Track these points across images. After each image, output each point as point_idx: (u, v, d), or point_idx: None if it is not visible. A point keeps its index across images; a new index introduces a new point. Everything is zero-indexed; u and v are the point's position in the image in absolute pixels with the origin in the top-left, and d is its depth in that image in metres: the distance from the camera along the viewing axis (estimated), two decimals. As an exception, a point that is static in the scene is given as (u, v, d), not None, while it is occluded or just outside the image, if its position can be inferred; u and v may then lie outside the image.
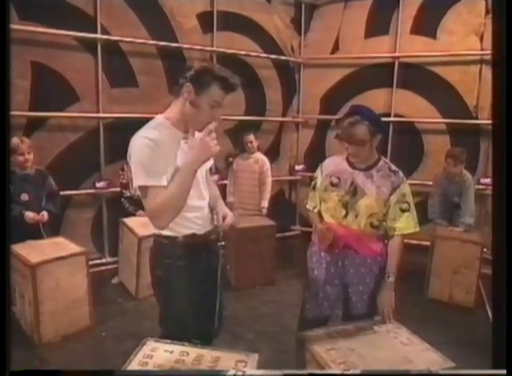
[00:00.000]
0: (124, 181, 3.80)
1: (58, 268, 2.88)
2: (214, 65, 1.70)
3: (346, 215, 2.08)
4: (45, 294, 2.82)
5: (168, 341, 1.70)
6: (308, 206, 2.30)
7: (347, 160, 2.11)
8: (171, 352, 1.62)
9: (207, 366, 1.54)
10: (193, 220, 1.78)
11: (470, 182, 3.76)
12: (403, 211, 2.04)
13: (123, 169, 3.82)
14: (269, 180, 4.22)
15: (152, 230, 1.78)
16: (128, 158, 1.66)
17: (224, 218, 1.85)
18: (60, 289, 2.89)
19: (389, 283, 2.04)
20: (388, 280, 2.04)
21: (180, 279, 1.76)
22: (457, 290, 3.53)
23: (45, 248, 3.00)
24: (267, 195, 4.20)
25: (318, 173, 2.23)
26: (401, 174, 2.06)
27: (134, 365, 1.55)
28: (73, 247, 3.06)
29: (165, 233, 1.74)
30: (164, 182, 1.59)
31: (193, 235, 1.78)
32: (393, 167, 2.08)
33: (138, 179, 1.58)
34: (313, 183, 2.26)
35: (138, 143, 1.59)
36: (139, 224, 3.51)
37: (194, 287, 1.79)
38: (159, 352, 1.62)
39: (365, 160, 2.06)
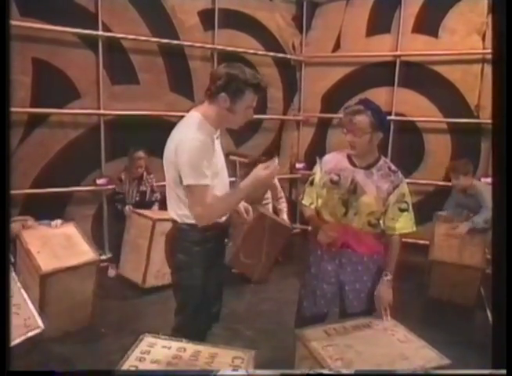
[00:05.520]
0: (119, 190, 3.90)
1: (68, 276, 2.84)
2: (243, 72, 1.71)
3: (346, 214, 2.08)
4: (51, 298, 2.78)
5: (166, 337, 1.72)
6: (304, 202, 2.25)
7: (348, 157, 2.10)
8: (169, 348, 1.64)
9: (203, 363, 1.55)
10: None
11: (483, 190, 3.57)
12: (402, 210, 2.05)
13: (121, 180, 3.89)
14: (283, 200, 4.31)
15: (172, 216, 1.89)
16: (170, 157, 1.76)
17: (247, 212, 2.04)
18: (67, 294, 2.87)
19: (386, 281, 2.05)
20: (386, 278, 2.05)
21: (201, 262, 1.85)
22: (457, 289, 3.52)
23: (56, 245, 2.93)
24: (285, 213, 4.26)
25: (317, 169, 2.20)
26: (400, 174, 2.06)
27: (131, 360, 1.56)
28: (84, 250, 2.99)
29: (189, 221, 1.82)
30: (209, 182, 1.73)
31: (215, 223, 1.86)
32: (393, 167, 2.08)
33: (189, 179, 1.70)
34: (311, 179, 2.23)
35: (190, 145, 1.69)
36: (150, 211, 3.68)
37: (211, 271, 1.89)
38: (156, 348, 1.63)
39: (365, 158, 2.05)
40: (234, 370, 1.51)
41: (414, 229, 2.08)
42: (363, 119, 1.95)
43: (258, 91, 1.75)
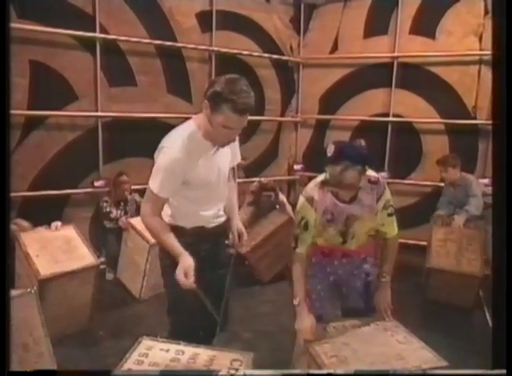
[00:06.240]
0: (107, 210, 3.87)
1: (68, 281, 2.82)
2: (227, 85, 1.59)
3: (343, 243, 2.05)
4: (50, 302, 2.75)
5: (164, 339, 1.71)
6: (299, 250, 2.03)
7: (333, 194, 1.96)
8: (167, 351, 1.63)
9: (202, 365, 1.55)
10: (206, 218, 1.88)
11: (472, 180, 3.79)
12: (389, 215, 2.03)
13: (107, 201, 3.87)
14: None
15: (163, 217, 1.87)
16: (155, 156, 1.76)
17: (240, 237, 1.94)
18: (66, 298, 2.84)
19: (384, 282, 2.05)
20: (383, 280, 2.05)
21: None
22: (455, 294, 3.51)
23: (56, 248, 2.91)
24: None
25: (308, 211, 1.98)
26: (380, 180, 2.00)
27: (129, 363, 1.55)
28: (84, 254, 2.97)
29: (174, 223, 1.83)
30: (167, 195, 1.74)
31: (202, 227, 1.87)
32: (372, 177, 1.98)
33: (153, 184, 1.71)
34: (303, 223, 1.99)
35: (169, 156, 1.67)
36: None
37: (199, 278, 1.80)
38: (154, 351, 1.63)
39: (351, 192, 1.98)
40: (233, 371, 1.51)
41: (396, 231, 2.08)
42: (354, 174, 1.83)
43: (236, 110, 1.58)
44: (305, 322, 1.93)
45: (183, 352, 1.62)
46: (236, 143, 1.93)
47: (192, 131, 1.73)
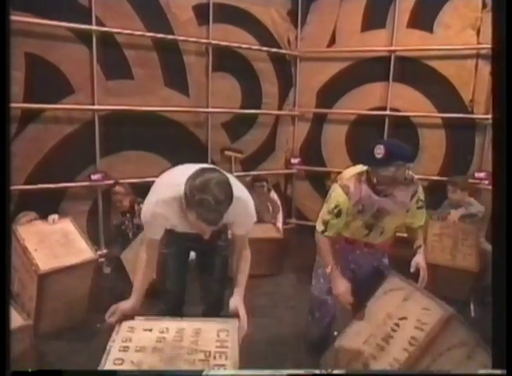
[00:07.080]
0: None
1: (66, 275, 2.82)
2: (199, 194, 1.44)
3: (368, 234, 2.13)
4: (48, 296, 2.77)
5: (144, 317, 1.70)
6: (327, 234, 2.10)
7: (369, 185, 2.00)
8: (150, 330, 1.57)
9: (189, 342, 1.51)
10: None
11: (473, 200, 3.77)
12: (419, 208, 2.14)
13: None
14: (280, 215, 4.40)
15: None
16: None
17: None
18: (64, 291, 2.85)
19: (422, 252, 2.17)
20: (421, 249, 2.16)
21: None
22: (451, 285, 3.49)
23: (54, 242, 2.91)
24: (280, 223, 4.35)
25: (343, 199, 2.01)
26: (415, 178, 2.08)
27: (115, 352, 1.48)
28: (82, 248, 2.96)
29: None
30: (155, 236, 1.80)
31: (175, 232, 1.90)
32: (408, 175, 2.03)
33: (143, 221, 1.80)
34: (336, 210, 2.03)
35: (150, 209, 1.71)
36: None
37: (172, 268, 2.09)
38: (138, 333, 1.57)
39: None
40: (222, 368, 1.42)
41: (423, 221, 2.21)
42: (403, 171, 1.93)
43: (202, 219, 1.47)
44: (341, 285, 2.05)
45: (167, 330, 1.57)
46: (246, 213, 1.76)
47: (173, 197, 1.62)
